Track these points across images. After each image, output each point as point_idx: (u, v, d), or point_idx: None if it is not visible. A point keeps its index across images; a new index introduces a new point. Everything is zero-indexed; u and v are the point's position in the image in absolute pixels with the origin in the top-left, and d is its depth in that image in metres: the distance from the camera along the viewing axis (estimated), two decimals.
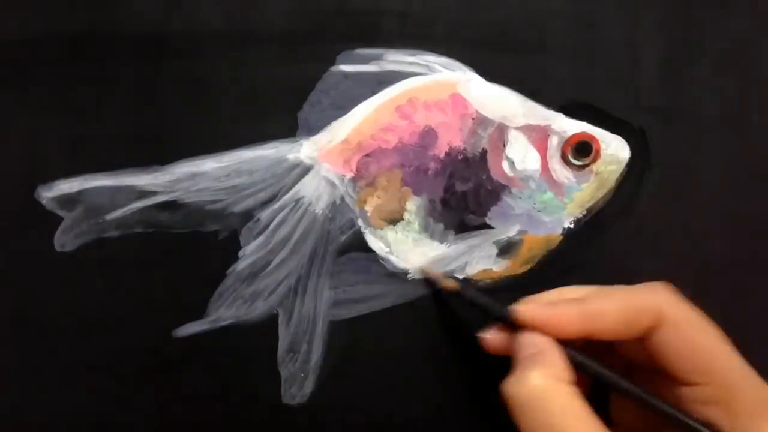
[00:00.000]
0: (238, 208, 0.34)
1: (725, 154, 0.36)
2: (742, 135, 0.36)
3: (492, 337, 0.31)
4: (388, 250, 0.35)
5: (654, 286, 0.29)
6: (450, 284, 0.34)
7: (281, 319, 0.34)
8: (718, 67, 0.36)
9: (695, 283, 0.36)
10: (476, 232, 0.35)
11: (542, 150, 0.35)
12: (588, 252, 0.36)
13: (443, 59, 0.35)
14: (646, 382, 0.29)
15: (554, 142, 0.35)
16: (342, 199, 0.35)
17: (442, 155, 0.35)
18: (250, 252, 0.34)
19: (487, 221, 0.35)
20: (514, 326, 0.30)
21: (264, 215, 0.34)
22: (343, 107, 0.35)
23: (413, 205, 0.35)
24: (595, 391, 0.30)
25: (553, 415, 0.26)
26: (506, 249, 0.35)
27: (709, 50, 0.36)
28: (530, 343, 0.29)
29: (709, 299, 0.36)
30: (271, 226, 0.34)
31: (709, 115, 0.36)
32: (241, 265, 0.34)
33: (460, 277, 0.35)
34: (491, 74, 0.35)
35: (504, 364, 0.35)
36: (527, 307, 0.29)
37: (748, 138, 0.36)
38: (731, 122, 0.36)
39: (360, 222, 0.35)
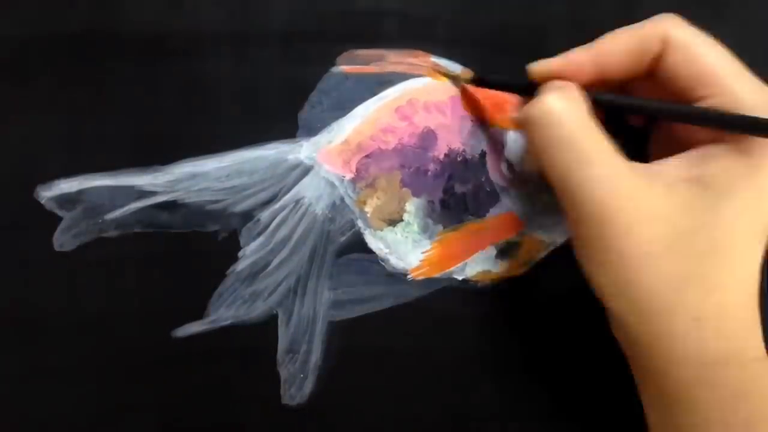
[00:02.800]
0: (238, 208, 0.34)
1: None
2: None
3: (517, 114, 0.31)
4: (387, 250, 0.35)
5: (658, 16, 0.30)
6: (467, 75, 0.34)
7: (281, 320, 0.34)
8: None
9: None
10: None
11: None
12: None
13: (444, 60, 0.35)
14: None
15: None
16: (342, 199, 0.35)
17: (441, 157, 0.35)
18: (250, 252, 0.34)
19: None
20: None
21: (264, 216, 0.34)
22: (343, 108, 0.35)
23: (412, 206, 0.35)
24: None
25: (564, 129, 0.27)
26: (505, 250, 0.35)
27: None
28: (550, 86, 0.29)
29: None
30: (271, 227, 0.34)
31: None
32: (240, 265, 0.34)
33: (459, 278, 0.35)
34: (491, 75, 0.35)
35: (504, 363, 0.36)
36: (541, 62, 0.30)
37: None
38: None
39: (360, 223, 0.35)
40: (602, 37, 0.30)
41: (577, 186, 0.27)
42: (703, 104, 0.28)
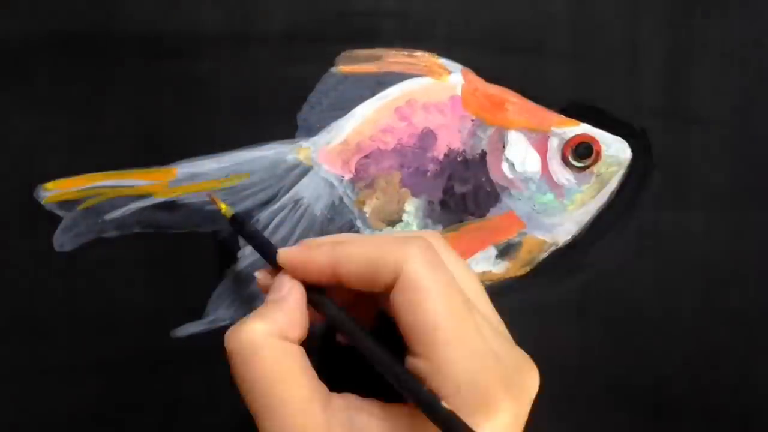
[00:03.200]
0: (238, 208, 0.34)
1: (727, 155, 0.36)
2: (744, 136, 0.36)
3: (263, 277, 0.30)
4: None
5: (407, 240, 0.26)
6: (227, 211, 0.32)
7: None
8: (719, 68, 0.36)
9: (696, 285, 0.36)
10: None
11: (542, 151, 0.35)
12: (589, 253, 0.35)
13: (444, 60, 0.35)
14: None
15: (554, 143, 0.35)
16: (341, 200, 0.35)
17: (441, 157, 0.35)
18: (249, 253, 0.34)
19: None
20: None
21: (263, 216, 0.34)
22: (342, 108, 0.35)
23: (412, 206, 0.35)
24: None
25: (259, 371, 0.25)
26: (506, 251, 0.35)
27: (711, 51, 0.36)
28: (276, 286, 0.28)
29: (710, 301, 0.36)
30: (270, 227, 0.34)
31: (710, 117, 0.36)
32: (239, 265, 0.34)
33: None
34: (491, 75, 0.35)
35: None
36: (288, 249, 0.28)
37: (749, 139, 0.36)
38: (733, 123, 0.36)
39: (359, 223, 0.35)
40: (349, 241, 0.27)
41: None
42: (413, 363, 0.26)
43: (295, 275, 0.28)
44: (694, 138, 0.36)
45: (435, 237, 0.29)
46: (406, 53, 0.35)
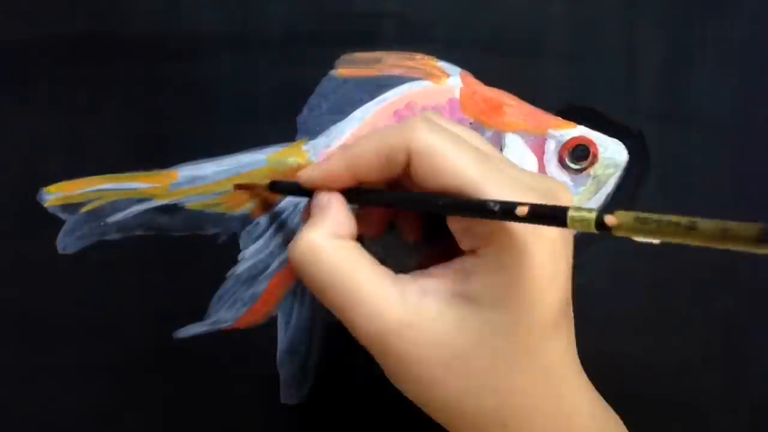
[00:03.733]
0: (238, 211, 0.35)
1: (724, 157, 0.36)
2: (741, 138, 0.36)
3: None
4: (384, 254, 0.35)
5: (406, 122, 0.28)
6: (261, 184, 0.33)
7: (280, 321, 0.35)
8: (717, 70, 0.36)
9: (695, 287, 0.36)
10: None
11: (539, 154, 0.35)
12: (585, 255, 0.36)
13: (442, 63, 0.35)
14: None
15: (551, 145, 0.35)
16: None
17: None
18: (249, 255, 0.35)
19: None
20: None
21: (263, 219, 0.35)
22: (342, 111, 0.35)
23: None
24: None
25: (325, 272, 0.27)
26: None
27: (708, 53, 0.36)
28: (316, 203, 0.29)
29: (709, 302, 0.36)
30: (271, 230, 0.35)
31: (708, 119, 0.36)
32: (240, 268, 0.35)
33: None
34: (489, 77, 0.35)
35: None
36: (305, 169, 0.30)
37: (747, 141, 0.36)
38: (731, 125, 0.36)
39: None
40: (355, 141, 0.30)
41: (352, 324, 0.27)
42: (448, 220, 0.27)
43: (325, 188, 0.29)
44: (690, 140, 0.36)
45: (428, 113, 0.30)
46: (405, 56, 0.35)
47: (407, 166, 0.27)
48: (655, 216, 0.19)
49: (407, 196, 0.29)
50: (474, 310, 0.26)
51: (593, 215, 0.20)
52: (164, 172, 0.34)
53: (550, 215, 0.22)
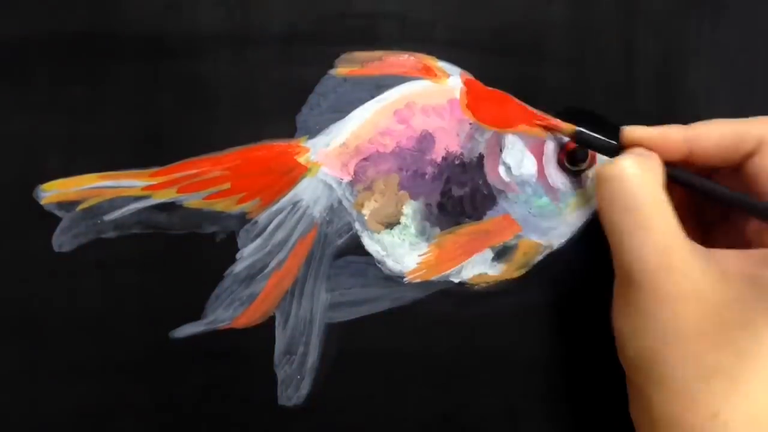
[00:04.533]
0: (236, 209, 0.34)
1: None
2: None
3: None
4: (384, 253, 0.35)
5: (762, 118, 0.30)
6: (570, 129, 0.34)
7: (278, 322, 0.35)
8: (714, 74, 0.36)
9: None
10: None
11: (538, 155, 0.35)
12: (584, 257, 0.36)
13: (443, 63, 0.35)
14: None
15: (550, 147, 0.35)
16: (339, 202, 0.35)
17: (439, 160, 0.35)
18: (247, 254, 0.34)
19: None
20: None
21: (262, 218, 0.35)
22: (341, 111, 0.35)
23: (410, 209, 0.35)
24: None
25: (633, 194, 0.28)
26: (502, 253, 0.36)
27: (706, 57, 0.36)
28: (633, 150, 0.30)
29: None
30: (269, 229, 0.35)
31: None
32: (238, 267, 0.34)
33: (456, 281, 0.35)
34: (489, 78, 0.35)
35: (501, 366, 0.36)
36: (635, 128, 0.31)
37: None
38: None
39: (357, 225, 0.35)
40: (700, 123, 0.30)
41: (632, 249, 0.27)
42: None
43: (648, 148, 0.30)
44: None
45: None
46: (405, 56, 0.35)
47: (749, 155, 0.29)
48: None
49: (740, 197, 0.30)
50: (759, 294, 0.26)
51: None
52: (163, 169, 0.34)
53: None
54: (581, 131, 0.33)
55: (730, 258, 0.28)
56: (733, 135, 0.29)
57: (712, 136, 0.29)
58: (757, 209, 0.29)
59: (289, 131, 0.35)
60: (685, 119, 0.36)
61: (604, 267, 0.35)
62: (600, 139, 0.33)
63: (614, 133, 0.35)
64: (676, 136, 0.30)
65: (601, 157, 0.35)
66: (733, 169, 0.30)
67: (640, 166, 0.28)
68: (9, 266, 0.34)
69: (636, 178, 0.28)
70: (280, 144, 0.35)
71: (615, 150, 0.32)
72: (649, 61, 0.36)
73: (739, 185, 0.30)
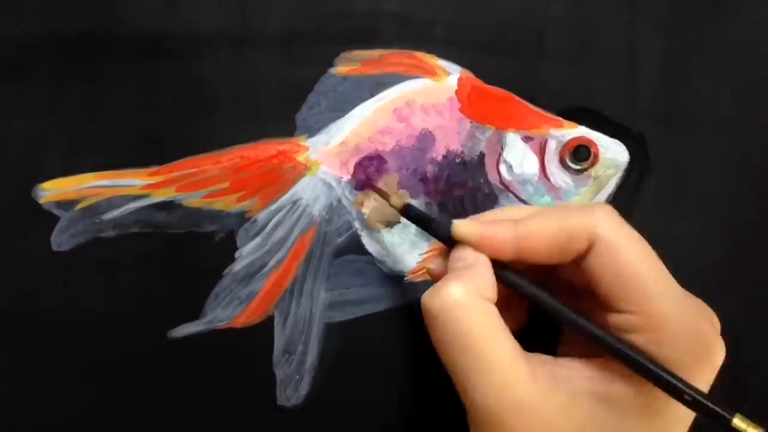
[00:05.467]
0: (235, 208, 0.34)
1: (724, 158, 0.36)
2: (741, 140, 0.36)
3: (435, 266, 0.30)
4: (384, 252, 0.35)
5: (592, 207, 0.27)
6: (396, 201, 0.32)
7: (277, 321, 0.34)
8: (717, 72, 0.36)
9: (693, 289, 0.36)
10: None
11: (540, 154, 0.35)
12: None
13: (443, 62, 0.35)
14: (584, 309, 0.28)
15: (552, 146, 0.35)
16: (339, 201, 0.35)
17: (439, 158, 0.35)
18: (246, 253, 0.34)
19: None
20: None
21: (261, 216, 0.34)
22: (341, 109, 0.35)
23: None
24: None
25: (463, 329, 0.26)
26: None
27: (708, 55, 0.36)
28: (460, 257, 0.28)
29: (708, 305, 0.36)
30: (268, 228, 0.34)
31: (708, 120, 0.36)
32: (237, 266, 0.34)
33: None
34: (489, 77, 0.35)
35: None
36: (464, 222, 0.28)
37: (747, 143, 0.36)
38: (730, 127, 0.36)
39: (357, 224, 0.35)
40: (529, 217, 0.28)
41: (473, 390, 0.25)
42: (625, 318, 0.26)
43: (475, 249, 0.28)
44: (691, 141, 0.36)
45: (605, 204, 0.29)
46: (405, 54, 0.35)
47: (581, 254, 0.26)
48: None
49: (567, 312, 0.27)
50: (608, 416, 0.25)
51: None
52: (162, 168, 0.34)
53: (714, 415, 0.23)
54: (411, 206, 0.32)
55: (575, 375, 0.26)
56: (562, 234, 0.26)
57: (542, 234, 0.27)
58: (584, 330, 0.26)
59: (289, 130, 0.35)
60: (687, 117, 0.36)
61: None
62: (432, 221, 0.30)
63: (616, 132, 0.35)
64: (504, 235, 0.27)
65: (605, 153, 0.35)
66: (572, 264, 0.27)
67: (467, 290, 0.26)
68: (7, 265, 0.34)
69: (464, 311, 0.26)
70: (279, 142, 0.34)
71: (447, 238, 0.29)
72: (650, 61, 0.36)
73: (580, 279, 0.28)
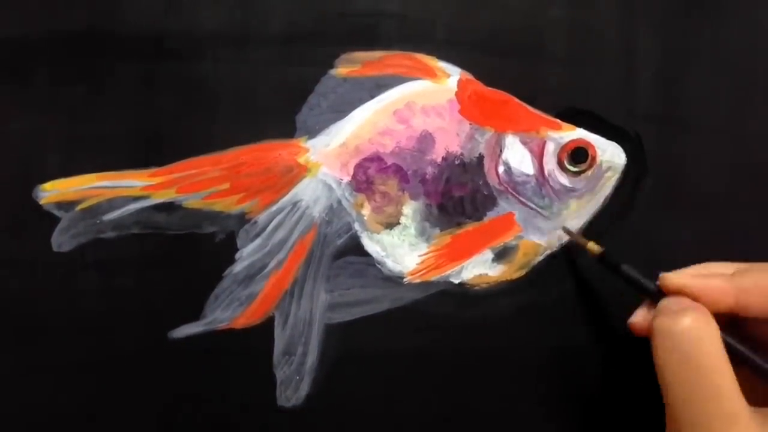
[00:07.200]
0: (235, 210, 0.34)
1: (721, 160, 0.37)
2: (737, 142, 0.37)
3: (639, 319, 0.30)
4: (384, 254, 0.35)
5: None
6: (595, 248, 0.33)
7: (277, 322, 0.35)
8: (714, 75, 0.36)
9: None
10: None
11: (539, 156, 0.35)
12: (583, 258, 0.36)
13: (443, 63, 0.35)
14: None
15: (550, 148, 0.35)
16: (339, 202, 0.35)
17: (439, 160, 0.35)
18: (246, 254, 0.34)
19: None
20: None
21: (261, 218, 0.34)
22: (341, 111, 0.35)
23: (410, 209, 0.35)
24: None
25: (702, 355, 0.26)
26: (502, 254, 0.36)
27: (706, 57, 0.36)
28: (677, 302, 0.28)
29: None
30: (269, 229, 0.34)
31: (705, 122, 0.36)
32: (237, 267, 0.34)
33: (456, 282, 0.35)
34: (489, 79, 0.35)
35: (500, 366, 0.36)
36: (679, 275, 0.29)
37: (743, 145, 0.37)
38: (727, 129, 0.36)
39: (356, 226, 0.35)
40: (746, 268, 0.28)
41: (700, 414, 0.26)
42: None
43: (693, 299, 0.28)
44: (688, 143, 0.36)
45: None
46: (405, 56, 0.35)
47: None
48: None
49: None
50: None
51: None
52: (162, 169, 0.34)
53: None
54: (609, 260, 0.32)
55: None
56: None
57: (764, 290, 0.28)
58: None
59: (289, 131, 0.35)
60: (684, 119, 0.36)
61: (603, 268, 0.35)
62: (641, 280, 0.31)
63: (613, 134, 0.35)
64: (724, 288, 0.28)
65: (603, 155, 0.35)
66: None
67: (701, 325, 0.27)
68: (9, 266, 0.34)
69: (701, 339, 0.26)
70: (279, 144, 0.34)
71: (654, 293, 0.30)
72: (650, 61, 0.36)
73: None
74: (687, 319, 0.27)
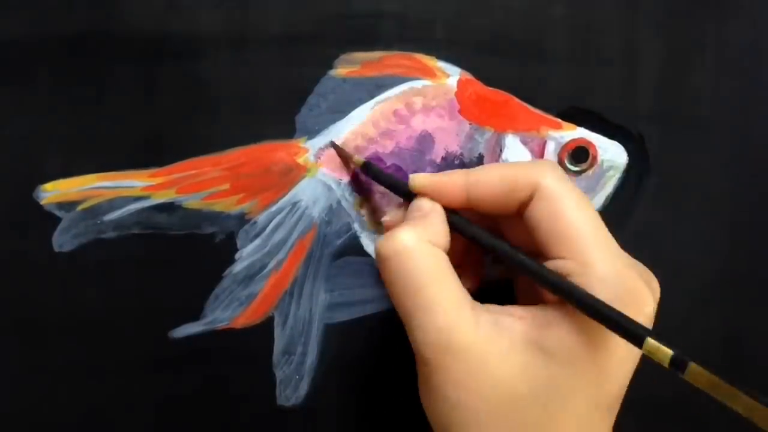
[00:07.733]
0: (235, 210, 0.34)
1: (724, 160, 0.36)
2: (741, 141, 0.36)
3: (391, 218, 0.32)
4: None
5: (537, 162, 0.30)
6: (357, 159, 0.33)
7: (277, 322, 0.35)
8: (717, 73, 0.36)
9: (692, 289, 0.36)
10: None
11: (539, 155, 0.35)
12: None
13: (442, 63, 0.35)
14: None
15: (551, 147, 0.35)
16: (338, 202, 0.35)
17: (438, 160, 0.35)
18: (246, 254, 0.34)
19: None
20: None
21: (261, 218, 0.35)
22: (340, 111, 0.35)
23: None
24: None
25: (412, 273, 0.27)
26: None
27: (708, 56, 0.36)
28: (416, 206, 0.29)
29: (707, 306, 0.36)
30: (268, 229, 0.35)
31: (708, 121, 0.36)
32: (237, 267, 0.34)
33: None
34: (489, 79, 0.35)
35: None
36: (421, 174, 0.30)
37: (747, 144, 0.36)
38: (730, 128, 0.36)
39: (356, 226, 0.35)
40: (479, 167, 0.30)
41: (416, 330, 0.27)
42: (555, 264, 0.27)
43: (430, 198, 0.30)
44: (690, 142, 0.36)
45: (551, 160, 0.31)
46: (404, 56, 0.35)
47: (524, 203, 0.28)
48: (725, 385, 0.22)
49: (512, 252, 0.28)
50: (545, 362, 0.26)
51: (669, 355, 0.24)
52: (162, 170, 0.34)
53: (631, 334, 0.24)
54: (370, 163, 0.33)
55: (517, 322, 0.27)
56: (506, 182, 0.28)
57: (489, 183, 0.28)
58: (529, 270, 0.27)
59: (289, 131, 0.35)
60: (686, 119, 0.36)
61: None
62: (391, 176, 0.32)
63: (615, 134, 0.35)
64: (456, 183, 0.29)
65: (604, 155, 0.35)
66: (518, 215, 0.29)
67: (418, 237, 0.27)
68: (9, 266, 0.34)
69: (415, 254, 0.27)
70: (279, 144, 0.35)
71: (406, 193, 0.30)
72: (650, 62, 0.36)
73: (523, 232, 0.29)
74: (401, 235, 0.27)
